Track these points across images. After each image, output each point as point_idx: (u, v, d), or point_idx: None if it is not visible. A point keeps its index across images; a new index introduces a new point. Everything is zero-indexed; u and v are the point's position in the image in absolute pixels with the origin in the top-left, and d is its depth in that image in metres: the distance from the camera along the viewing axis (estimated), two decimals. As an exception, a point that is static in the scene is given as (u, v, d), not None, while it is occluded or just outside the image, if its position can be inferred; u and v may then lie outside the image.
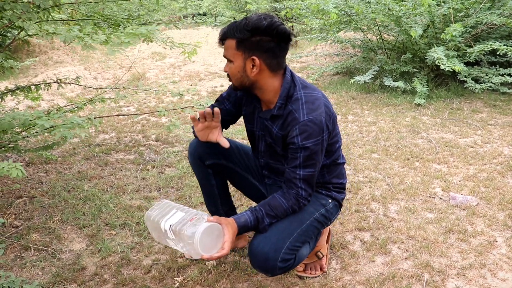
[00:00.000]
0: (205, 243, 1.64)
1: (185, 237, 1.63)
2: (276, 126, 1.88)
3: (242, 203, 2.87)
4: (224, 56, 1.83)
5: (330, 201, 2.05)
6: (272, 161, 2.05)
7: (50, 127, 2.05)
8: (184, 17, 12.30)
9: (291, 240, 1.86)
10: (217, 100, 2.12)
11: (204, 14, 13.44)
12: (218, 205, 2.26)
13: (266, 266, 1.83)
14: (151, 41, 2.46)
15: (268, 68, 1.80)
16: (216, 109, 1.92)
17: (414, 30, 4.80)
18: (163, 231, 1.74)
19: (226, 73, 1.86)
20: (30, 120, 2.08)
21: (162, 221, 1.74)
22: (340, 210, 2.14)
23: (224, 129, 2.16)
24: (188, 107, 3.82)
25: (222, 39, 1.82)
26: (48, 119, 2.02)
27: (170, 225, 1.70)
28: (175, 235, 1.69)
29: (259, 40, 1.74)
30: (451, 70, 4.62)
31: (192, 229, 1.63)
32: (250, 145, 2.20)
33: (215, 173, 2.18)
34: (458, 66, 4.55)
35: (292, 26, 9.55)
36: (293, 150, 1.80)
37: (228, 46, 1.79)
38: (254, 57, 1.76)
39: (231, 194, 2.36)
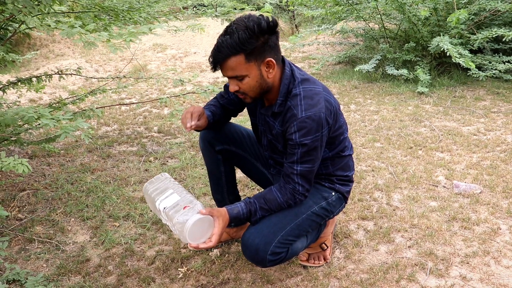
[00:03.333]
0: (194, 233, 1.66)
1: (176, 223, 1.66)
2: (278, 123, 1.87)
3: (245, 193, 2.87)
4: (231, 77, 1.74)
5: (333, 193, 2.03)
6: (275, 155, 2.05)
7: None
8: (184, 8, 12.22)
9: (283, 234, 1.86)
10: (224, 88, 2.11)
11: (205, 6, 13.38)
12: (224, 193, 2.26)
13: (256, 258, 1.84)
14: (151, 30, 2.45)
15: (277, 64, 1.78)
16: (201, 111, 1.94)
17: (424, 10, 4.77)
18: (157, 209, 1.77)
19: (236, 91, 1.77)
20: (35, 119, 2.08)
21: (157, 200, 1.77)
22: (346, 202, 2.12)
23: (233, 117, 2.19)
24: (190, 93, 3.81)
25: (220, 62, 1.70)
26: (52, 119, 2.01)
27: (164, 208, 1.73)
28: (167, 217, 1.72)
29: (264, 41, 1.68)
30: (459, 62, 4.57)
31: (184, 218, 1.65)
32: None
33: (224, 160, 2.19)
34: (472, 64, 4.48)
35: (293, 16, 9.51)
36: (291, 146, 1.78)
37: (234, 64, 1.68)
38: (269, 59, 1.72)
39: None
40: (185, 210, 1.68)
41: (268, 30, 1.67)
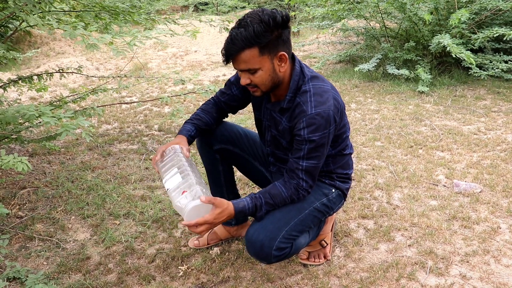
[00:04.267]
0: (191, 216, 1.68)
1: (176, 206, 1.70)
2: (285, 118, 1.88)
3: (245, 191, 2.87)
4: (243, 70, 1.74)
5: (333, 190, 2.04)
6: (278, 152, 2.05)
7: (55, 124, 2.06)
8: (184, 7, 12.25)
9: (288, 229, 1.87)
10: (225, 85, 2.13)
11: (206, 4, 13.38)
12: (224, 192, 2.27)
13: (261, 254, 1.84)
14: (151, 29, 2.47)
15: (289, 58, 1.79)
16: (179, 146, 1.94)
17: (427, 14, 4.77)
18: (172, 171, 1.81)
19: (247, 84, 1.78)
20: (36, 117, 2.08)
21: (164, 178, 1.81)
22: (345, 199, 2.13)
23: (232, 114, 2.20)
24: (191, 92, 3.81)
25: (234, 55, 1.70)
26: (53, 117, 2.01)
27: (168, 189, 1.76)
28: (170, 197, 1.75)
29: (278, 35, 1.70)
30: (457, 58, 4.57)
31: (184, 201, 1.68)
32: (257, 132, 2.21)
33: (222, 159, 2.20)
34: (467, 54, 4.51)
35: (295, 16, 9.51)
36: (299, 142, 1.79)
37: (247, 57, 1.69)
38: (282, 53, 1.74)
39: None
40: (183, 195, 1.70)
41: (282, 24, 1.69)
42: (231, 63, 1.75)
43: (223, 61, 1.75)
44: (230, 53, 1.70)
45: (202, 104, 2.16)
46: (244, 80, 1.77)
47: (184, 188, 1.73)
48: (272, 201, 1.84)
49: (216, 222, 1.73)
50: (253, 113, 2.13)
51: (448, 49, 4.58)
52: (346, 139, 2.01)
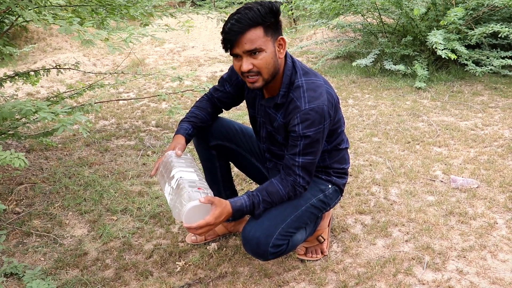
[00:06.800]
0: (190, 216, 1.66)
1: (181, 197, 1.67)
2: (280, 114, 1.87)
3: (243, 187, 2.87)
4: (248, 51, 1.69)
5: (329, 186, 2.04)
6: (274, 147, 2.05)
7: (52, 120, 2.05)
8: (181, 2, 12.21)
9: (284, 226, 1.87)
10: (218, 82, 2.13)
11: (203, -1, 13.34)
12: (221, 188, 2.26)
13: (257, 251, 1.84)
14: (147, 25, 2.46)
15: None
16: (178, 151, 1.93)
17: (417, 9, 4.76)
18: (169, 175, 1.78)
19: (249, 71, 1.72)
20: (33, 112, 2.07)
21: (177, 167, 1.79)
22: (341, 195, 2.13)
23: (225, 110, 2.21)
24: (188, 90, 3.81)
25: (240, 34, 1.66)
26: (51, 112, 2.01)
27: (181, 177, 1.74)
28: (177, 187, 1.72)
29: (277, 21, 1.74)
30: (448, 57, 4.60)
31: (191, 196, 1.66)
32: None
33: (218, 155, 2.20)
34: (453, 54, 4.52)
35: (292, 12, 9.49)
36: (294, 138, 1.79)
37: (253, 37, 1.67)
38: (281, 37, 1.76)
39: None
40: (199, 190, 1.70)
41: (278, 13, 1.73)
42: (232, 49, 1.71)
43: (224, 45, 1.72)
44: (237, 32, 1.66)
45: (196, 102, 2.16)
46: (246, 66, 1.71)
47: (200, 185, 1.73)
48: (270, 199, 1.84)
49: (217, 222, 1.72)
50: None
51: (436, 46, 4.60)
52: (341, 133, 2.01)
